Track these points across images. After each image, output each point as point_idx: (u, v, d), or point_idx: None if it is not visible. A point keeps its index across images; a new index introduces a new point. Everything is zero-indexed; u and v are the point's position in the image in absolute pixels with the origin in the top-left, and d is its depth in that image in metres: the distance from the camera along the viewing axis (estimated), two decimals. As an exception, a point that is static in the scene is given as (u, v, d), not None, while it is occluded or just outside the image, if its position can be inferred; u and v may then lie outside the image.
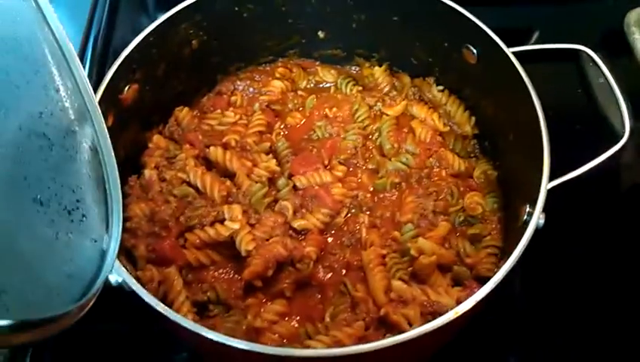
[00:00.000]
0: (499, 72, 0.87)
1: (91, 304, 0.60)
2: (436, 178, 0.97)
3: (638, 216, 0.98)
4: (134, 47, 0.89)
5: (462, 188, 0.96)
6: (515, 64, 0.84)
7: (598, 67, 0.83)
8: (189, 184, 0.93)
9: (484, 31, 0.88)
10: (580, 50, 0.85)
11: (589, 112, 0.83)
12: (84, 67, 1.20)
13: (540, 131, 0.78)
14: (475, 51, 0.93)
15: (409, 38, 1.03)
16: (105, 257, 0.68)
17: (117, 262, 0.72)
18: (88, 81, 0.69)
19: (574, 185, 0.78)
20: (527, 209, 0.75)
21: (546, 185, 0.74)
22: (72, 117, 0.69)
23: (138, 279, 0.83)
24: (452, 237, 0.91)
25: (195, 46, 1.02)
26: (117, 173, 0.73)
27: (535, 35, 1.32)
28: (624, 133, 0.78)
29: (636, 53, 0.93)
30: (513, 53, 0.86)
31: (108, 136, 0.73)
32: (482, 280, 0.82)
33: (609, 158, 0.77)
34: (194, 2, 0.96)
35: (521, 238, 0.72)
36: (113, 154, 0.74)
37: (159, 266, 0.86)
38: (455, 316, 0.65)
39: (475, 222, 0.92)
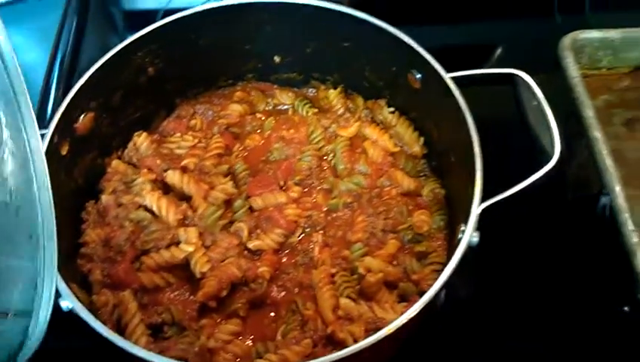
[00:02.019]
0: (439, 96, 0.91)
1: None
2: (386, 197, 1.00)
3: (573, 229, 1.03)
4: (88, 78, 0.91)
5: (411, 207, 1.00)
6: (452, 89, 0.88)
7: (532, 91, 0.88)
8: (145, 208, 0.96)
9: (425, 57, 0.92)
10: (515, 75, 0.90)
11: (524, 134, 0.88)
12: (49, 90, 1.24)
13: (474, 154, 0.82)
14: (418, 76, 0.97)
15: (360, 63, 1.07)
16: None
17: (67, 289, 0.74)
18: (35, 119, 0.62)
19: (511, 201, 0.82)
20: (462, 228, 0.79)
21: (477, 205, 0.78)
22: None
23: (92, 303, 0.86)
24: (400, 254, 0.94)
25: (152, 73, 1.04)
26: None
27: (498, 52, 1.38)
28: (554, 153, 0.82)
29: (567, 75, 0.99)
30: (452, 78, 0.90)
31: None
32: (425, 296, 0.86)
33: (540, 178, 0.81)
34: (149, 32, 0.98)
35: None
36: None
37: (114, 290, 0.88)
38: (388, 332, 0.69)
39: (422, 239, 0.96)
